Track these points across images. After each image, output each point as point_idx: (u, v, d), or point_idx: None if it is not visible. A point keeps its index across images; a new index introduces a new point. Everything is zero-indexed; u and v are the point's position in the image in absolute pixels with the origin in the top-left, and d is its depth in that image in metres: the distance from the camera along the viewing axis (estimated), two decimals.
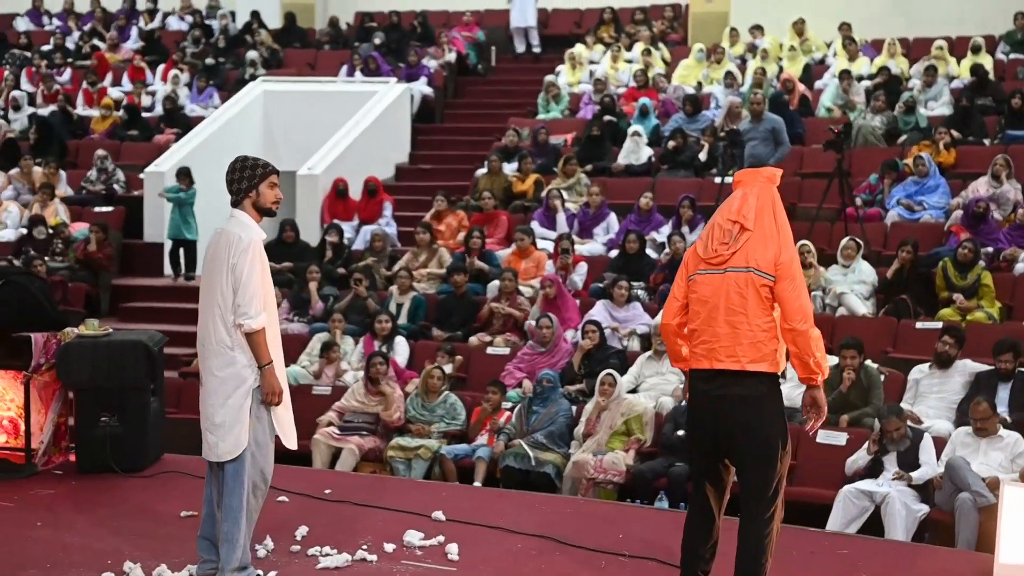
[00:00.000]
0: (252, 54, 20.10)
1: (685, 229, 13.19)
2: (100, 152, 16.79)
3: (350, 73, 19.30)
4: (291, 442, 5.88)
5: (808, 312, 5.16)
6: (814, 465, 9.48)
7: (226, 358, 5.63)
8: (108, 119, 18.60)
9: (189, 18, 22.73)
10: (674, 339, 5.44)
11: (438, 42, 20.31)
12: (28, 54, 21.51)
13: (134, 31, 22.39)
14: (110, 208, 16.07)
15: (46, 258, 14.30)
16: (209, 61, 20.38)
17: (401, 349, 11.88)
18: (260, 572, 5.84)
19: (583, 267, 12.93)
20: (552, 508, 7.43)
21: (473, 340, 12.08)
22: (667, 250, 12.66)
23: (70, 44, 22.07)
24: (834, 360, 10.25)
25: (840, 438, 9.55)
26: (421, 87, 18.84)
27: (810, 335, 5.12)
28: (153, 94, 19.49)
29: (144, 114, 18.81)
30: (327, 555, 6.24)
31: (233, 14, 22.48)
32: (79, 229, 15.22)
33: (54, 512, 7.07)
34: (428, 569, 6.07)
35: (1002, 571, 5.39)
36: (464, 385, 11.55)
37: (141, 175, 16.20)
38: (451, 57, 20.08)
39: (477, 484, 9.88)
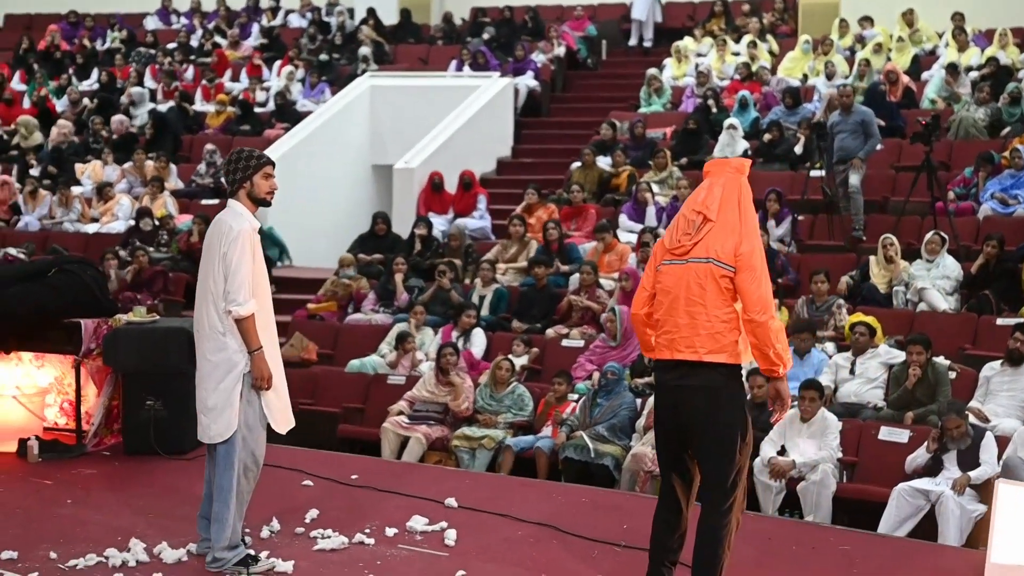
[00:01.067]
0: (364, 50, 20.41)
1: (771, 223, 13.02)
2: (209, 147, 17.24)
3: (459, 68, 19.46)
4: (281, 427, 6.01)
5: (767, 303, 5.10)
6: (874, 462, 9.30)
7: (218, 343, 5.81)
8: (222, 114, 19.10)
9: (310, 15, 23.14)
10: (643, 329, 5.44)
11: (547, 36, 20.36)
12: (153, 52, 22.16)
13: (255, 28, 22.88)
14: (215, 201, 16.49)
15: (150, 249, 14.79)
16: (323, 57, 20.74)
17: (478, 340, 11.98)
18: (252, 552, 5.98)
19: None
20: (567, 498, 7.44)
21: (550, 332, 12.14)
22: None
23: (194, 42, 22.67)
24: (902, 356, 10.08)
25: (902, 435, 9.34)
26: (527, 81, 18.91)
27: (769, 326, 5.07)
28: (268, 90, 19.91)
29: (257, 109, 19.24)
30: (326, 537, 6.37)
31: (352, 11, 22.83)
32: (184, 221, 15.65)
33: (87, 491, 7.32)
34: (421, 554, 6.16)
35: (993, 571, 5.25)
36: (539, 377, 11.61)
37: None
38: (560, 51, 20.10)
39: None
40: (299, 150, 16.62)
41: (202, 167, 17.17)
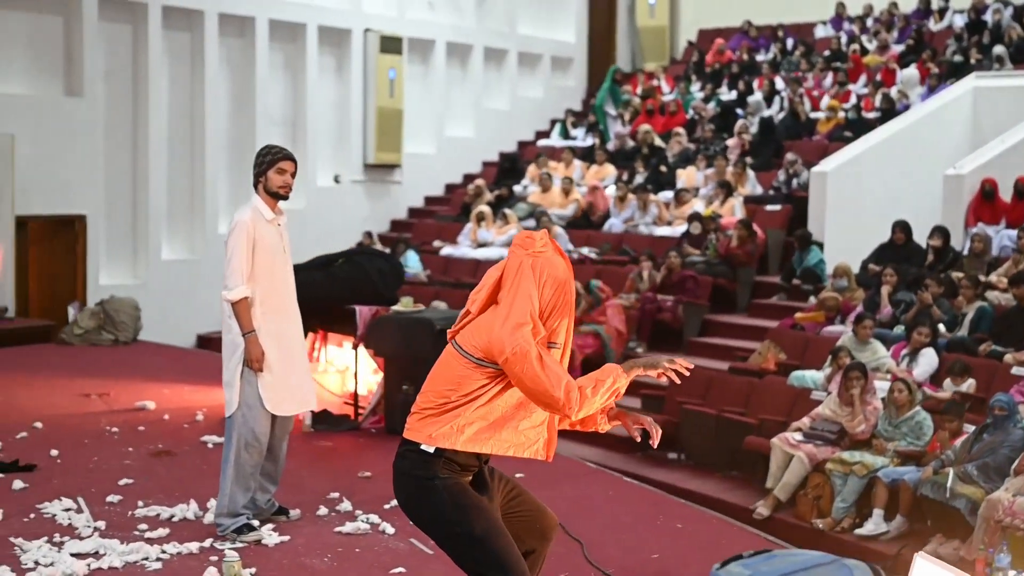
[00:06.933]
0: (999, 48, 18.92)
1: None
2: (790, 156, 17.10)
3: None
4: (276, 409, 6.23)
5: (544, 390, 3.95)
6: None
7: (226, 326, 6.25)
8: (831, 120, 18.74)
9: (968, 16, 21.80)
10: None
11: None
12: (802, 60, 22.17)
13: (912, 32, 21.96)
14: (779, 207, 16.33)
15: (694, 252, 15.10)
16: (957, 59, 19.50)
17: (924, 362, 10.98)
18: (256, 523, 6.25)
19: None
20: (621, 509, 6.78)
21: (1007, 358, 10.77)
22: None
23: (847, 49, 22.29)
24: None
25: None
26: None
27: (565, 408, 3.97)
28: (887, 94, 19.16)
29: (871, 115, 18.59)
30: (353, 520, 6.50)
31: (1016, 8, 21.17)
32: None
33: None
34: (343, 539, 6.29)
35: None
36: (980, 407, 10.35)
37: None
38: None
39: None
40: (867, 155, 15.92)
41: (781, 174, 17.06)
